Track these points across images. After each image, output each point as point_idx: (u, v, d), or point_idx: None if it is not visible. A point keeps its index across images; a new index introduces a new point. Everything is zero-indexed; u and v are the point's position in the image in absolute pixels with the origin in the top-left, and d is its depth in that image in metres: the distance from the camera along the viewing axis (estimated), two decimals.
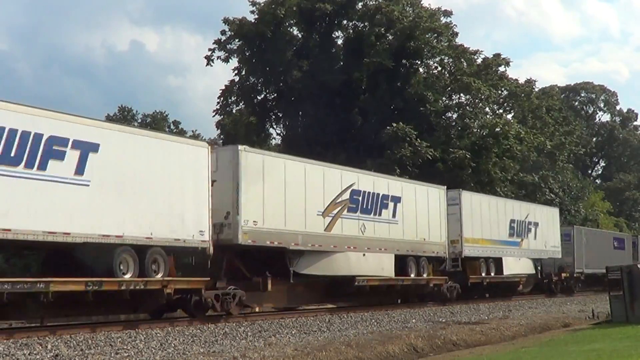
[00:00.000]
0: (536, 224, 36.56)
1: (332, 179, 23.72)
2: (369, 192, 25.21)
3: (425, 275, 28.22)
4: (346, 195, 24.06)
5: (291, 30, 46.16)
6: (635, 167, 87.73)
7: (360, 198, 24.77)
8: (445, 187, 30.32)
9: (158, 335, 16.50)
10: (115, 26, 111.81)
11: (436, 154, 39.56)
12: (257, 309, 22.89)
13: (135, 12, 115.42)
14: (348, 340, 17.65)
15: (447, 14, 45.83)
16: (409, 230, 27.15)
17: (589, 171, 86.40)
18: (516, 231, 34.69)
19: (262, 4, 43.71)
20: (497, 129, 43.36)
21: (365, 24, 44.42)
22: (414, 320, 23.28)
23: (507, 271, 33.52)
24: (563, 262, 40.44)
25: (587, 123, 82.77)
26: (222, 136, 47.68)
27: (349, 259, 24.18)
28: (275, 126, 47.68)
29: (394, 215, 26.44)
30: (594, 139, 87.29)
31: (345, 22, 45.83)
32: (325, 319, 21.48)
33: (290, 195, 21.71)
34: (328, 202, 23.31)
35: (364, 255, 24.74)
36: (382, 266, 25.62)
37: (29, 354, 13.53)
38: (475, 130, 44.53)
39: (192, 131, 57.76)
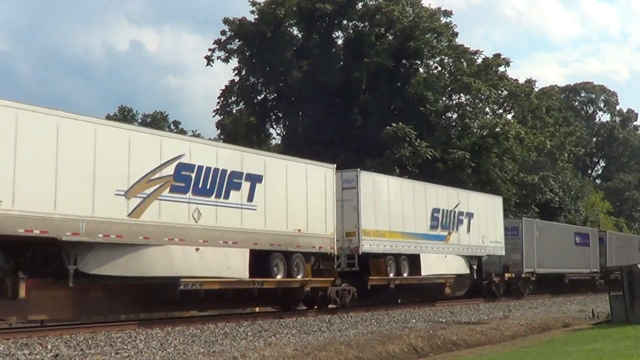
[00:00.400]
0: (470, 215, 30.90)
1: (144, 147, 18.07)
2: (207, 168, 19.51)
3: (299, 277, 22.37)
4: (169, 170, 18.46)
5: (291, 30, 46.21)
6: (635, 167, 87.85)
7: (193, 175, 19.13)
8: (335, 165, 24.50)
9: (158, 335, 16.51)
10: (114, 26, 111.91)
11: (436, 154, 39.56)
12: (11, 323, 17.66)
13: (134, 12, 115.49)
14: (348, 340, 17.65)
15: (447, 14, 45.90)
16: (274, 219, 21.36)
17: (589, 171, 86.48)
18: (441, 223, 28.96)
19: (262, 4, 43.73)
20: (497, 129, 43.36)
21: (365, 24, 44.45)
22: (414, 320, 23.28)
23: (426, 271, 27.51)
24: (511, 260, 34.87)
25: (587, 123, 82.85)
26: (221, 136, 47.71)
27: (172, 255, 18.49)
28: (275, 126, 47.76)
29: (250, 199, 20.63)
30: (594, 139, 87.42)
31: (345, 22, 45.86)
32: (325, 319, 21.48)
33: (65, 165, 16.01)
34: (137, 179, 17.64)
35: (197, 250, 19.09)
36: (228, 265, 19.89)
37: (29, 354, 13.54)
38: (475, 130, 44.53)
39: (193, 131, 57.81)
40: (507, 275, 34.48)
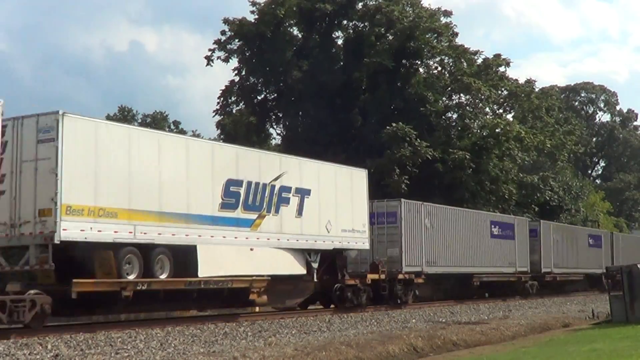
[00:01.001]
0: (304, 192, 22.58)
1: None
2: None
3: None
4: None
5: (291, 30, 46.19)
6: (635, 167, 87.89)
7: None
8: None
9: (158, 335, 16.52)
10: (114, 26, 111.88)
11: (436, 154, 39.55)
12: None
13: (134, 12, 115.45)
14: (348, 340, 17.65)
15: (447, 14, 45.87)
16: None
17: (589, 171, 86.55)
18: (245, 201, 20.42)
19: (262, 4, 43.73)
20: (498, 130, 43.35)
21: (365, 24, 44.44)
22: (414, 320, 23.29)
23: (208, 270, 19.16)
24: (387, 256, 26.97)
25: (587, 123, 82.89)
26: (222, 136, 47.70)
27: None
28: (275, 126, 47.74)
29: None
30: (594, 139, 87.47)
31: (345, 22, 45.84)
32: (325, 319, 21.50)
33: None
34: None
35: None
36: None
37: (29, 354, 13.54)
38: (475, 130, 44.53)
39: (193, 131, 57.79)
40: (371, 276, 25.63)
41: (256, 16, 43.61)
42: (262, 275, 20.92)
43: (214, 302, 21.24)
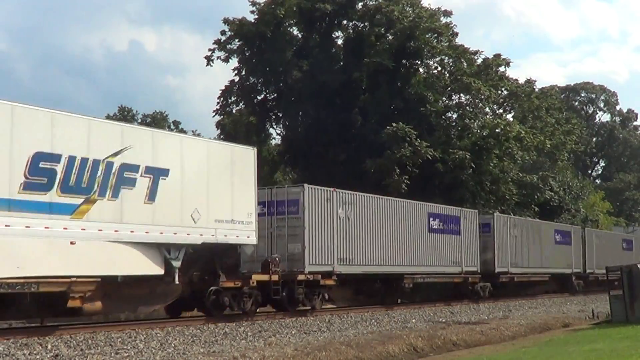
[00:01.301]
0: (161, 173, 18.18)
1: None
2: None
3: None
4: None
5: (291, 30, 46.17)
6: (635, 167, 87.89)
7: None
8: None
9: (158, 335, 16.51)
10: (114, 26, 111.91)
11: (436, 154, 39.54)
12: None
13: (133, 12, 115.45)
14: (348, 340, 17.66)
15: (447, 14, 45.85)
16: None
17: (589, 171, 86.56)
18: (65, 181, 15.94)
19: (262, 4, 43.72)
20: (498, 130, 43.34)
21: (365, 24, 44.42)
22: (414, 320, 23.30)
23: None
24: (289, 253, 22.52)
25: (587, 123, 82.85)
26: (222, 136, 47.70)
27: None
28: (275, 126, 47.72)
29: None
30: (594, 139, 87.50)
31: (345, 22, 45.82)
32: (325, 319, 21.49)
33: None
34: None
35: None
36: None
37: (29, 354, 13.55)
38: (475, 130, 44.52)
39: (192, 131, 57.82)
40: (258, 277, 20.92)
41: (256, 16, 43.61)
42: (89, 276, 16.23)
43: (17, 311, 16.12)
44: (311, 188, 23.15)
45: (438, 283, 30.00)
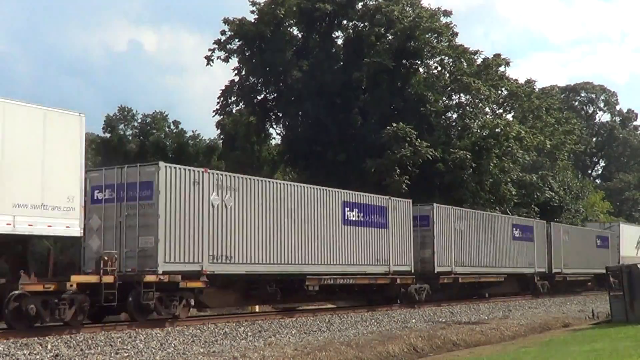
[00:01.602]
0: None
1: None
2: None
3: None
4: None
5: (291, 30, 46.17)
6: (635, 167, 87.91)
7: None
8: None
9: (158, 335, 16.51)
10: (113, 26, 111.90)
11: (436, 154, 39.54)
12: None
13: (133, 12, 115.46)
14: (348, 340, 17.67)
15: (447, 14, 45.85)
16: None
17: (589, 171, 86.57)
18: None
19: (262, 4, 43.73)
20: (498, 130, 43.34)
21: (365, 24, 44.42)
22: (414, 320, 23.30)
23: None
24: (140, 249, 18.33)
25: (587, 123, 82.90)
26: (222, 136, 47.69)
27: None
28: (275, 126, 47.72)
29: None
30: (594, 139, 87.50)
31: (345, 22, 45.83)
32: (325, 319, 21.48)
33: None
34: None
35: None
36: None
37: (29, 354, 13.55)
38: (475, 130, 44.52)
39: (192, 131, 57.70)
40: (81, 279, 16.70)
41: (256, 16, 43.63)
42: None
43: None
44: (169, 167, 18.85)
45: (356, 285, 25.33)
